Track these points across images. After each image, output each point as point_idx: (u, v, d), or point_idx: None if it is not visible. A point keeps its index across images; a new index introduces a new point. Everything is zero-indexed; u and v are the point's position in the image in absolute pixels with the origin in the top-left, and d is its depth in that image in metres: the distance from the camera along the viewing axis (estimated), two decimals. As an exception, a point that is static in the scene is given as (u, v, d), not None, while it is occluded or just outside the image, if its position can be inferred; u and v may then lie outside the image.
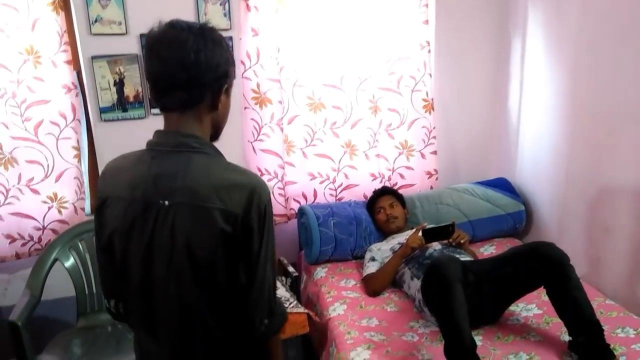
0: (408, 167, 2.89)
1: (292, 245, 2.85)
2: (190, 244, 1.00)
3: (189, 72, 0.99)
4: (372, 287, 2.30)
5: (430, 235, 2.27)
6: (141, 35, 2.40)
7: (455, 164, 3.03)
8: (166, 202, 1.01)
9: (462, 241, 2.27)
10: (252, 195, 1.00)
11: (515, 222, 2.75)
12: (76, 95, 2.43)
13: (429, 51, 2.75)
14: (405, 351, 1.87)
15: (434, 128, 2.85)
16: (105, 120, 2.48)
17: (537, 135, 2.66)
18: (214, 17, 2.48)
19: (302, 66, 2.63)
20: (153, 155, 1.06)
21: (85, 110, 2.51)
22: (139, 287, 1.08)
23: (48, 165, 2.40)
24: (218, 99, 1.05)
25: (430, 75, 2.78)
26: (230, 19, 2.52)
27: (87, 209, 2.56)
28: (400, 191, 2.84)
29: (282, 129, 2.64)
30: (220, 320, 1.06)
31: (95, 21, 2.36)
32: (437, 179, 2.93)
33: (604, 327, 1.74)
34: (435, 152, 2.88)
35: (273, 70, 2.57)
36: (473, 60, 2.90)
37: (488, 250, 2.68)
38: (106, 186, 1.09)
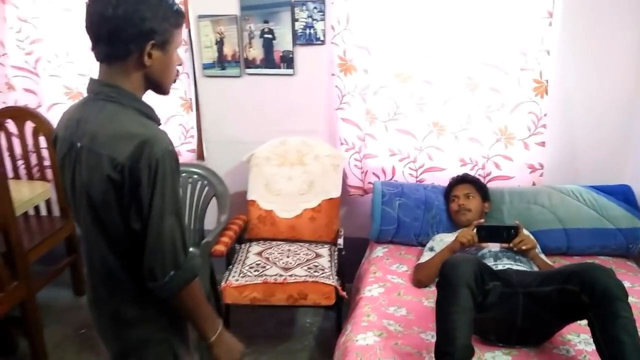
0: (506, 157, 2.53)
1: (368, 219, 2.76)
2: (86, 185, 1.08)
3: (107, 26, 1.04)
4: (418, 276, 2.13)
5: (487, 233, 1.98)
6: (241, -3, 2.54)
7: (570, 160, 2.55)
8: (78, 144, 1.10)
9: (523, 247, 1.93)
10: (141, 147, 1.02)
11: (629, 240, 2.23)
12: (185, 51, 2.69)
13: (550, 24, 2.32)
14: (414, 348, 1.71)
15: (544, 115, 2.42)
16: (206, 76, 2.71)
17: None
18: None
19: (393, 33, 2.46)
20: (84, 101, 1.15)
21: (192, 65, 2.77)
22: (76, 220, 1.19)
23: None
24: (143, 55, 1.08)
25: (548, 53, 2.35)
26: (324, -19, 2.49)
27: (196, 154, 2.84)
28: (492, 183, 2.53)
29: (364, 100, 2.55)
30: (128, 266, 1.12)
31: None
32: (541, 175, 2.51)
33: None
34: (542, 144, 2.46)
35: (361, 37, 2.48)
36: (611, 37, 2.35)
37: (583, 267, 2.23)
38: (58, 125, 1.21)
